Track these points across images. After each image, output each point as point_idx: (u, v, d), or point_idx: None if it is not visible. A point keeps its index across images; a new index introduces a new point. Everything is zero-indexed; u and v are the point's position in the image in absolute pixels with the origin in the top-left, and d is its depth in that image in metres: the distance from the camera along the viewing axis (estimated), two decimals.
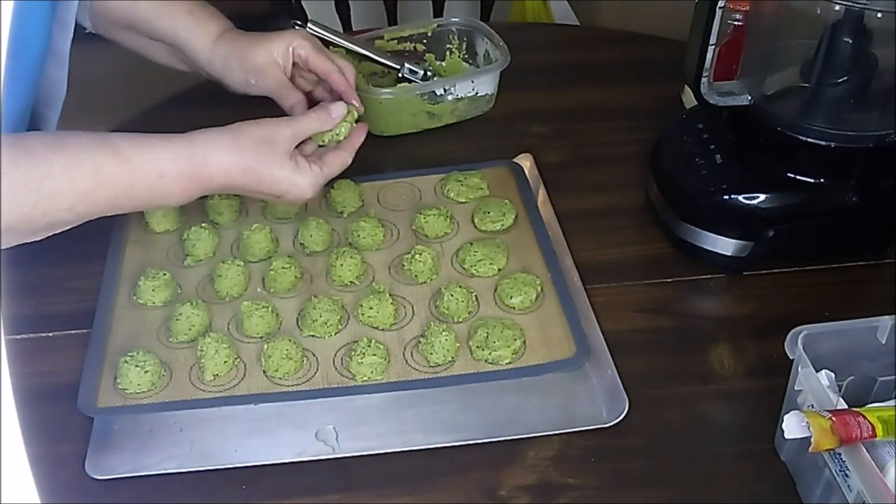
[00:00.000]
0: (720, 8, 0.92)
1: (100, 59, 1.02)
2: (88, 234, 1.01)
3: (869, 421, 0.71)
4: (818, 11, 0.95)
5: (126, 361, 0.87)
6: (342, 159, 0.94)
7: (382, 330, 0.93)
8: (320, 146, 0.94)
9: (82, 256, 1.02)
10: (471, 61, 1.30)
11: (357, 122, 0.96)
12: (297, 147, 0.90)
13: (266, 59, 0.99)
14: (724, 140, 1.03)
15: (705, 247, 1.01)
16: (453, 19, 1.31)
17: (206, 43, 1.01)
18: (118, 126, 1.26)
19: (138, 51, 1.07)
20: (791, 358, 0.78)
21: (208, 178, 0.85)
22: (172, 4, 1.02)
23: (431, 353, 0.89)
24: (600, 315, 0.96)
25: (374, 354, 0.88)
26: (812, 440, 0.69)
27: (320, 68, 0.99)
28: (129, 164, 0.81)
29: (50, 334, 0.95)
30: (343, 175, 0.98)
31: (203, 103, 1.10)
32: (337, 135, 0.93)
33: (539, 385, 0.89)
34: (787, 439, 0.72)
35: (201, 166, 0.85)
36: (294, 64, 1.00)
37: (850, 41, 0.93)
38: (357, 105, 0.97)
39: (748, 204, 0.98)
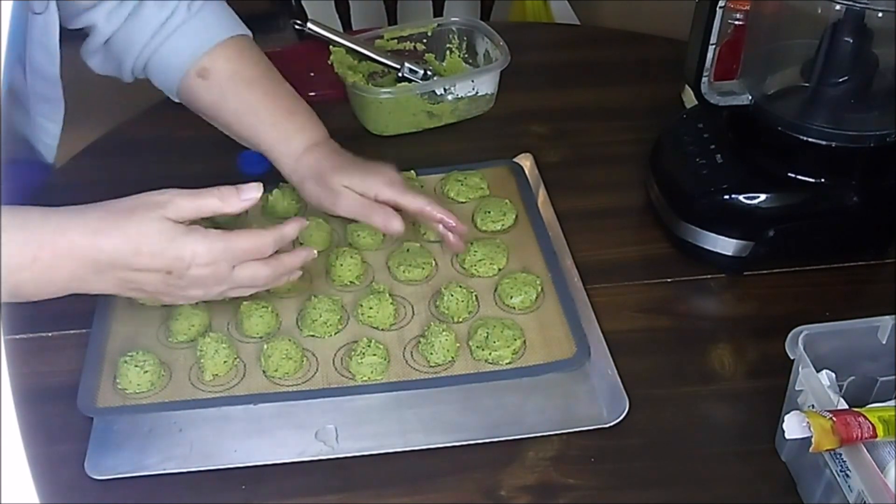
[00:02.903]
0: (721, 7, 0.92)
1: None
2: None
3: (869, 421, 0.71)
4: (819, 11, 0.94)
5: (126, 361, 0.87)
6: (290, 260, 0.84)
7: (382, 330, 0.93)
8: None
9: None
10: (471, 61, 1.30)
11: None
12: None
13: (341, 190, 0.95)
14: (725, 140, 1.02)
15: (706, 247, 1.00)
16: (453, 19, 1.31)
17: (288, 160, 0.97)
18: (117, 126, 1.26)
19: None
20: (792, 358, 0.78)
21: (67, 248, 0.75)
22: (257, 111, 0.98)
23: (431, 353, 0.89)
24: (600, 315, 0.96)
25: (374, 354, 0.88)
26: (813, 440, 0.69)
27: (412, 209, 0.95)
28: None
29: (50, 334, 0.95)
30: None
31: None
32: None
33: (539, 385, 0.89)
34: (787, 439, 0.71)
35: (55, 233, 0.75)
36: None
37: (851, 41, 0.93)
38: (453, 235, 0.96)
39: (749, 204, 0.98)
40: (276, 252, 0.83)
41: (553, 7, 2.40)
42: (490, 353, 0.89)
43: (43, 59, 0.97)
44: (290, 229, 0.83)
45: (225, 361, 0.88)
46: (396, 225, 0.93)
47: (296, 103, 1.00)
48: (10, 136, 1.02)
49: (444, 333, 0.89)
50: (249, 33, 1.02)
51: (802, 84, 0.98)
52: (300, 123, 0.99)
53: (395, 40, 1.28)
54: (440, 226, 0.96)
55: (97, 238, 0.76)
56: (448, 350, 0.89)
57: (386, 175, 0.96)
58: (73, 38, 1.00)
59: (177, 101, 1.02)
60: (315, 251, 0.88)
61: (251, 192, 0.79)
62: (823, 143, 0.95)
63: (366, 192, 0.94)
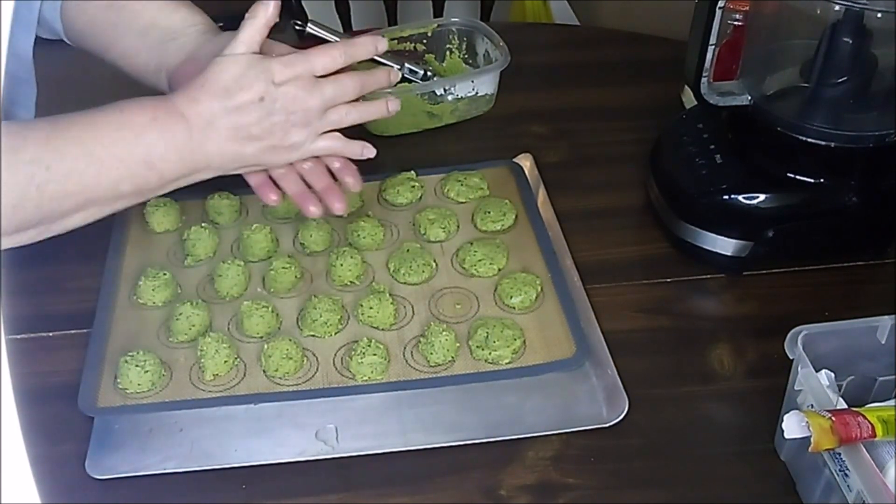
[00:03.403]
0: (720, 8, 0.93)
1: (98, 58, 1.01)
2: (88, 234, 1.01)
3: (869, 421, 0.71)
4: (818, 11, 0.95)
5: (126, 361, 0.87)
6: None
7: (382, 330, 0.93)
8: None
9: (82, 256, 1.02)
10: (471, 61, 1.30)
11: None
12: None
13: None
14: (724, 140, 1.03)
15: (705, 247, 1.01)
16: (453, 19, 1.31)
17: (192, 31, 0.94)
18: None
19: (104, 50, 0.98)
20: (791, 358, 0.78)
21: (172, 105, 0.80)
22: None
23: (431, 353, 0.89)
24: (600, 315, 0.96)
25: (374, 354, 0.88)
26: (812, 440, 0.69)
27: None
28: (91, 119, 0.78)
29: (50, 334, 0.96)
30: None
31: None
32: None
33: (539, 385, 0.89)
34: (786, 439, 0.72)
35: (163, 98, 0.81)
36: None
37: (850, 41, 0.93)
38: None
39: (748, 204, 0.98)
40: None
41: (553, 7, 2.40)
42: (490, 353, 0.89)
43: (19, 34, 0.94)
44: (362, 41, 0.87)
45: (225, 361, 0.88)
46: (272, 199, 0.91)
47: None
48: None
49: (444, 333, 0.89)
50: None
51: (802, 84, 0.98)
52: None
53: (395, 40, 1.28)
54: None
55: (189, 93, 0.80)
56: (448, 350, 0.89)
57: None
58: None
59: (67, 39, 0.99)
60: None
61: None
62: (823, 143, 0.95)
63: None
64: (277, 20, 0.84)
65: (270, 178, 0.90)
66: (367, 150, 0.90)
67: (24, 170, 0.74)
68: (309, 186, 0.91)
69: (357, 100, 0.87)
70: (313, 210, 0.90)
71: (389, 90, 1.19)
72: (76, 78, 1.00)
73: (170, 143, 0.79)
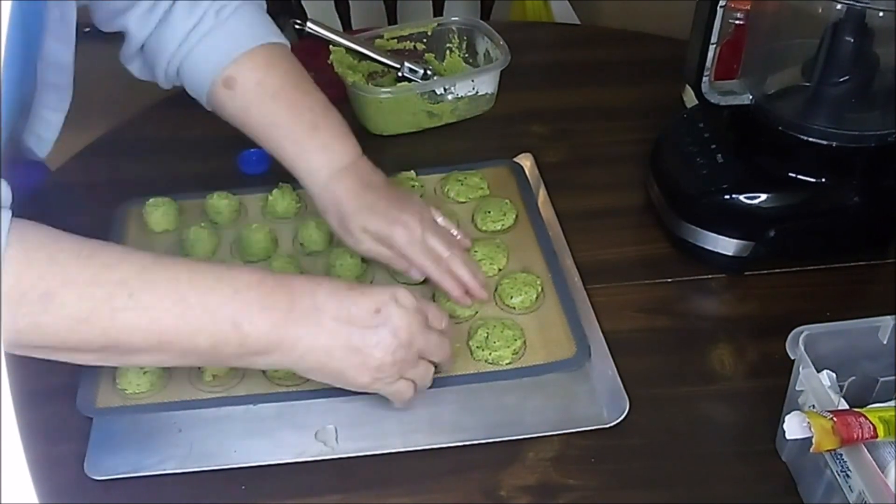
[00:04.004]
0: (721, 7, 0.92)
1: (100, 58, 1.01)
2: (88, 233, 1.01)
3: (870, 421, 0.70)
4: (820, 10, 0.94)
5: None
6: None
7: None
8: None
9: None
10: (471, 61, 1.30)
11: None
12: None
13: (361, 236, 0.94)
14: (725, 139, 1.02)
15: (706, 247, 1.00)
16: (453, 18, 1.31)
17: (310, 182, 0.95)
18: (117, 125, 1.26)
19: None
20: (792, 358, 0.78)
21: (287, 277, 0.79)
22: (279, 125, 0.94)
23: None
24: (600, 315, 0.96)
25: None
26: (813, 440, 0.69)
27: (425, 274, 0.95)
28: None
29: None
30: None
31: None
32: None
33: (539, 385, 0.89)
34: (788, 440, 0.71)
35: (283, 280, 0.78)
36: None
37: (852, 40, 0.93)
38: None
39: (749, 204, 0.98)
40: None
41: (553, 7, 2.40)
42: (490, 354, 0.89)
43: (56, 48, 0.94)
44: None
45: None
46: (415, 274, 0.95)
47: (321, 118, 0.95)
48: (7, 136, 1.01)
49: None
50: (285, 42, 0.98)
51: (803, 84, 0.98)
52: (323, 141, 0.94)
53: (395, 40, 1.28)
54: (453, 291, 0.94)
55: (312, 279, 0.80)
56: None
57: (409, 227, 0.92)
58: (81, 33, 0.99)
59: (209, 109, 0.99)
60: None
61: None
62: (824, 142, 0.95)
63: (386, 243, 0.93)
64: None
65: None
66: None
67: (107, 289, 0.70)
68: None
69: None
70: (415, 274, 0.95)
71: (390, 90, 1.19)
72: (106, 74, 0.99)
73: (266, 310, 0.75)
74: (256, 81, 0.94)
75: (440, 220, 0.98)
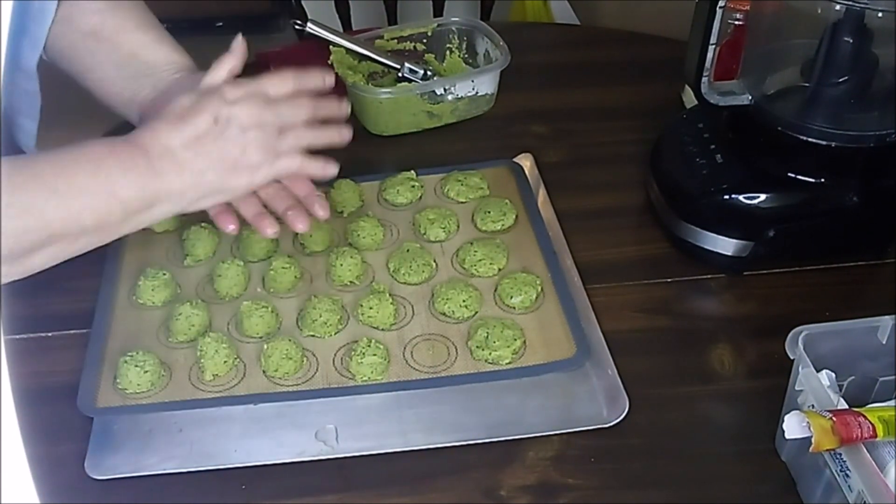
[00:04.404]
0: (720, 7, 0.92)
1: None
2: None
3: (869, 421, 0.71)
4: (819, 11, 0.94)
5: (126, 361, 0.87)
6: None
7: (382, 330, 0.93)
8: None
9: (82, 256, 1.01)
10: (471, 61, 1.30)
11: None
12: None
13: None
14: (725, 140, 1.02)
15: (705, 247, 1.00)
16: (453, 19, 1.31)
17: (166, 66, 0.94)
18: (117, 126, 1.26)
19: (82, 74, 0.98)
20: (791, 358, 0.78)
21: (130, 136, 0.79)
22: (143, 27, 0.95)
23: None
24: (600, 315, 0.96)
25: (374, 354, 0.88)
26: (813, 440, 0.69)
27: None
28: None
29: (50, 334, 0.95)
30: (343, 175, 0.97)
31: None
32: None
33: (539, 385, 0.89)
34: (787, 439, 0.72)
35: (130, 140, 0.79)
36: None
37: (851, 41, 0.93)
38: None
39: (748, 204, 0.98)
40: None
41: (553, 7, 2.40)
42: (490, 353, 0.89)
43: (27, 50, 0.95)
44: (314, 72, 0.86)
45: (225, 361, 0.88)
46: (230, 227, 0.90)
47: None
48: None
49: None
50: None
51: (802, 84, 0.98)
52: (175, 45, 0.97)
53: (395, 40, 1.28)
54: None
55: (147, 125, 0.80)
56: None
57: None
58: None
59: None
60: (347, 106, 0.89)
61: (237, 48, 0.85)
62: (823, 143, 0.95)
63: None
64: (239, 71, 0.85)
65: (230, 205, 0.88)
66: (330, 168, 0.88)
67: None
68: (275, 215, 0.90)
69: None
70: (270, 232, 0.88)
71: (390, 90, 1.19)
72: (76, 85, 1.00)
73: (129, 172, 0.78)
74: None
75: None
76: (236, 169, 0.82)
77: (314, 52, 1.24)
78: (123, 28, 0.95)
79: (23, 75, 0.96)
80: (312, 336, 0.92)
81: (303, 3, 1.73)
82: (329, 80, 0.88)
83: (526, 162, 1.16)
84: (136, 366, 0.87)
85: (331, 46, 1.22)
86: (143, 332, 0.93)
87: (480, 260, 0.99)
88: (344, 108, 0.89)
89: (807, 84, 0.98)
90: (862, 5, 0.90)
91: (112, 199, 0.77)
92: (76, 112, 1.06)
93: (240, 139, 0.81)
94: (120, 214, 0.78)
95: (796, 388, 0.78)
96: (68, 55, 0.96)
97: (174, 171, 0.79)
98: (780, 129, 0.97)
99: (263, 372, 0.89)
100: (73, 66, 0.96)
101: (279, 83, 0.84)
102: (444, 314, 0.94)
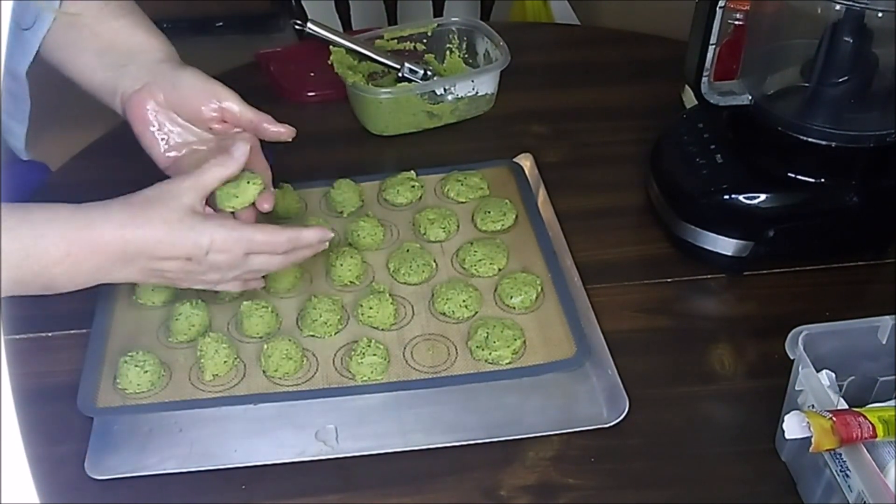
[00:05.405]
0: (720, 7, 0.92)
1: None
2: None
3: (869, 421, 0.71)
4: (819, 11, 0.95)
5: (126, 361, 0.87)
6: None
7: (382, 330, 0.93)
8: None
9: None
10: (471, 61, 1.30)
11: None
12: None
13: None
14: (725, 140, 1.02)
15: (705, 247, 1.00)
16: (453, 19, 1.31)
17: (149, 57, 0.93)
18: (117, 126, 1.26)
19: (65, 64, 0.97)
20: (791, 358, 0.78)
21: (96, 242, 0.78)
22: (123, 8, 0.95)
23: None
24: (600, 315, 0.96)
25: (374, 354, 0.88)
26: (812, 440, 0.69)
27: (252, 120, 0.91)
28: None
29: (50, 334, 0.95)
30: (343, 175, 0.98)
31: None
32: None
33: (539, 385, 0.89)
34: (787, 439, 0.71)
35: (84, 228, 0.78)
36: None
37: (851, 41, 0.93)
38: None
39: (749, 204, 0.98)
40: None
41: (553, 7, 2.40)
42: (490, 353, 0.89)
43: (18, 56, 0.95)
44: (309, 235, 0.85)
45: (225, 361, 0.88)
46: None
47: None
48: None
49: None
50: None
51: (802, 84, 0.98)
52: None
53: (395, 40, 1.28)
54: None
55: (124, 231, 0.78)
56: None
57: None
58: None
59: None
60: (331, 233, 0.87)
61: (241, 149, 0.83)
62: (823, 143, 0.95)
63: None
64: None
65: None
66: (325, 235, 0.87)
67: None
68: None
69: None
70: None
71: (390, 90, 1.20)
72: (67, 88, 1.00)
73: (74, 272, 0.79)
74: None
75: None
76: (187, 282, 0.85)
77: (314, 52, 1.24)
78: (100, 16, 0.94)
79: (16, 82, 0.97)
80: (312, 336, 0.92)
81: (303, 3, 1.73)
82: (328, 235, 0.87)
83: (526, 162, 1.16)
84: (136, 366, 0.87)
85: (331, 46, 1.22)
86: (143, 332, 0.93)
87: (480, 260, 0.99)
88: (326, 236, 0.87)
89: (807, 84, 0.98)
90: (862, 5, 0.90)
91: (41, 278, 0.78)
92: (73, 112, 1.06)
93: (201, 275, 0.83)
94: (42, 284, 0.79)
95: (796, 388, 0.78)
96: (49, 47, 0.95)
97: (122, 275, 0.81)
98: (780, 129, 0.97)
99: (263, 372, 0.89)
100: (54, 58, 0.96)
101: (268, 244, 0.83)
102: (444, 314, 0.94)
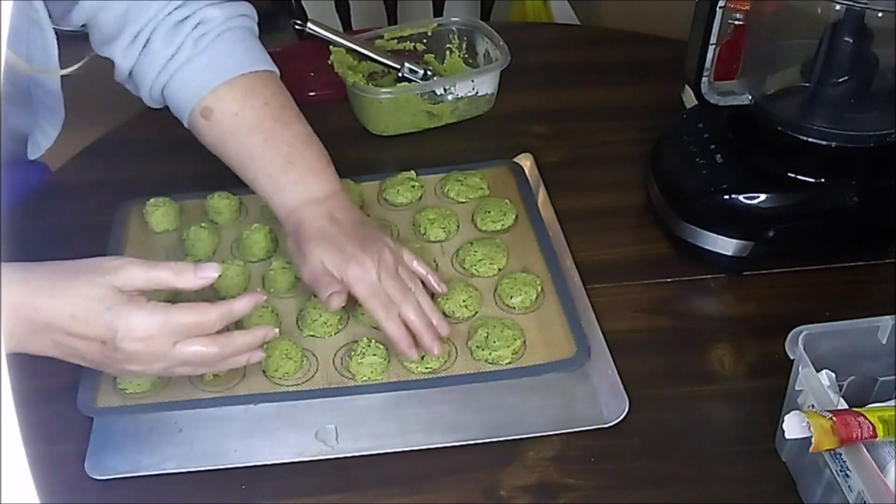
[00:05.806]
0: (721, 7, 0.92)
1: (98, 59, 1.02)
2: (88, 233, 1.01)
3: (869, 421, 0.71)
4: (819, 11, 0.94)
5: None
6: (243, 339, 0.78)
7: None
8: None
9: (81, 256, 1.01)
10: (471, 61, 1.30)
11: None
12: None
13: (313, 259, 0.89)
14: (725, 140, 1.02)
15: (706, 247, 1.00)
16: (453, 19, 1.31)
17: (281, 212, 0.94)
18: (117, 126, 1.26)
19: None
20: (791, 358, 0.78)
21: (9, 304, 0.72)
22: (254, 158, 0.93)
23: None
24: (600, 315, 0.96)
25: (374, 354, 0.88)
26: (812, 440, 0.69)
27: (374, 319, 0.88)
28: None
29: None
30: (343, 175, 0.97)
31: None
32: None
33: (539, 385, 0.89)
34: (787, 439, 0.71)
35: (4, 285, 0.71)
36: None
37: (851, 41, 0.93)
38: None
39: (748, 204, 0.98)
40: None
41: (553, 7, 2.40)
42: (490, 353, 0.89)
43: (47, 79, 0.99)
44: (241, 306, 0.78)
45: None
46: (335, 303, 0.88)
47: (298, 153, 0.94)
48: (7, 133, 1.02)
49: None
50: (272, 68, 0.98)
51: (802, 84, 0.98)
52: (297, 176, 0.93)
53: (395, 40, 1.28)
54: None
55: (35, 297, 0.72)
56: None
57: (364, 266, 0.87)
58: (73, 39, 0.99)
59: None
60: (276, 330, 0.81)
61: (208, 272, 0.76)
62: (823, 143, 0.95)
63: (338, 276, 0.88)
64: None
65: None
66: (268, 333, 0.82)
67: None
68: None
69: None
70: (335, 302, 0.88)
71: (390, 90, 1.19)
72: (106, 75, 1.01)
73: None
74: (233, 112, 0.94)
75: (415, 264, 0.92)
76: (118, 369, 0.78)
77: (314, 52, 1.24)
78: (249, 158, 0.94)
79: (50, 96, 1.01)
80: (312, 336, 0.92)
81: (303, 3, 1.73)
82: (272, 333, 0.81)
83: (526, 162, 1.16)
84: None
85: (331, 46, 1.22)
86: None
87: (480, 260, 0.99)
88: (271, 334, 0.81)
89: (807, 84, 0.98)
90: (862, 5, 0.90)
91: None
92: (73, 112, 1.07)
93: (118, 363, 0.76)
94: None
95: (796, 388, 0.78)
96: (220, 150, 0.97)
97: (38, 346, 0.75)
98: (780, 129, 0.97)
99: (263, 372, 0.89)
100: (231, 161, 0.97)
101: (196, 325, 0.76)
102: (444, 314, 0.94)
